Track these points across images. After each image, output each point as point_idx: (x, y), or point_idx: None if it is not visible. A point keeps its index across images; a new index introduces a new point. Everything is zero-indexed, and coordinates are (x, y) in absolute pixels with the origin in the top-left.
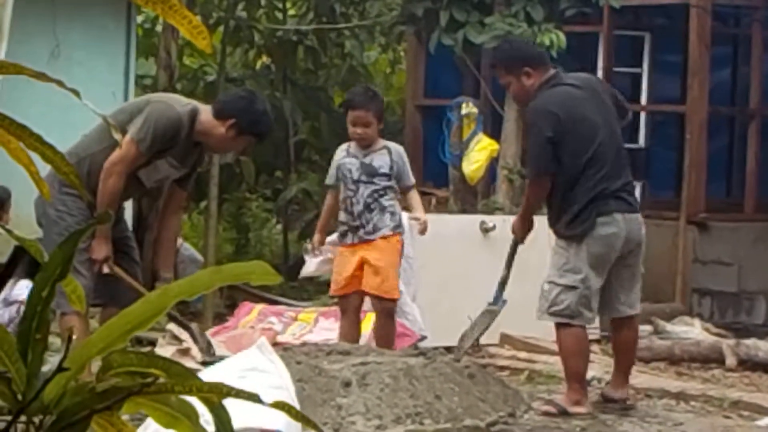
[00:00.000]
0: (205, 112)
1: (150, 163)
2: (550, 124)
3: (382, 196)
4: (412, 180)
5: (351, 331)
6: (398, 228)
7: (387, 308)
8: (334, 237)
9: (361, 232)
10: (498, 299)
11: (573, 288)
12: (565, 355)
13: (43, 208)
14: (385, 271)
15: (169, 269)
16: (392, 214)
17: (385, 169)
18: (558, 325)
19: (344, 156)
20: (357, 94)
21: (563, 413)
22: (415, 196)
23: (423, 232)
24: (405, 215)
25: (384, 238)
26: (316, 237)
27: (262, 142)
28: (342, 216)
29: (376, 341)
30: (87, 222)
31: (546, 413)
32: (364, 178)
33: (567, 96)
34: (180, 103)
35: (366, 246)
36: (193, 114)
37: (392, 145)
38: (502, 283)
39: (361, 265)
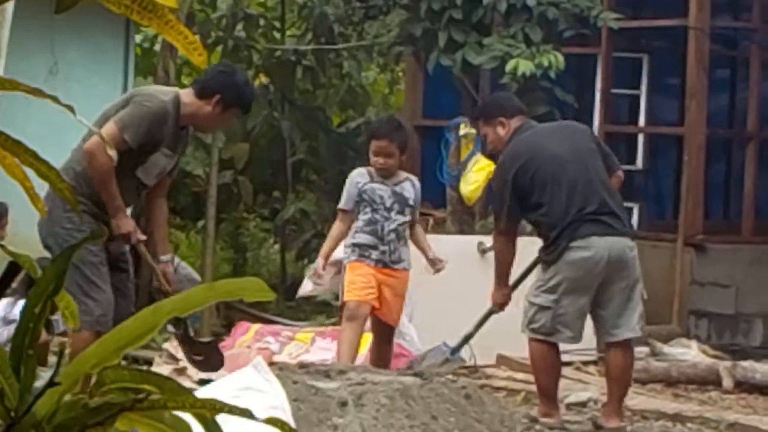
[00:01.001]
0: (187, 94)
1: (146, 160)
2: (512, 170)
3: (406, 228)
4: (418, 216)
5: (356, 339)
6: (410, 264)
7: (389, 334)
8: (338, 256)
9: (386, 258)
10: (457, 351)
11: (547, 308)
12: (536, 372)
13: (49, 228)
14: (400, 302)
15: (167, 252)
16: (408, 249)
17: (412, 202)
18: (532, 343)
19: (368, 181)
20: (381, 123)
21: (534, 421)
22: (422, 231)
23: (439, 271)
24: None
25: (404, 270)
26: (321, 262)
27: (248, 113)
28: (366, 239)
29: (374, 365)
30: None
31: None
32: (397, 206)
33: (528, 139)
34: (162, 92)
35: (387, 272)
36: (177, 99)
37: (413, 177)
38: (466, 339)
39: (380, 287)
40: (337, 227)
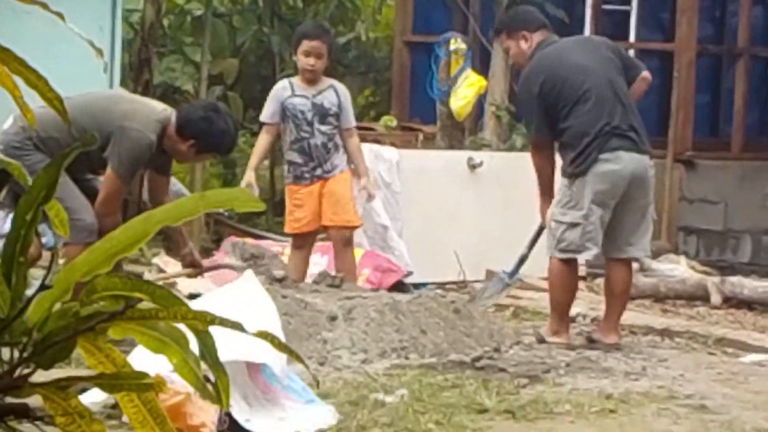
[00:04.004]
0: (172, 125)
1: None
2: (537, 83)
3: (334, 135)
4: (353, 122)
5: (302, 266)
6: (345, 164)
7: (347, 237)
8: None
9: (319, 171)
10: (514, 275)
11: (576, 225)
12: (553, 289)
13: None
14: (345, 202)
15: (186, 245)
16: (341, 153)
17: (335, 110)
18: (554, 260)
19: (290, 95)
20: (311, 26)
21: (542, 341)
22: (355, 145)
23: (371, 198)
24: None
25: (341, 172)
26: (250, 174)
27: (227, 155)
28: (296, 157)
29: (339, 270)
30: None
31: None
32: (317, 119)
33: (552, 52)
34: (151, 123)
35: (324, 183)
36: (164, 127)
37: (337, 83)
38: (521, 261)
39: (320, 202)
40: (261, 139)
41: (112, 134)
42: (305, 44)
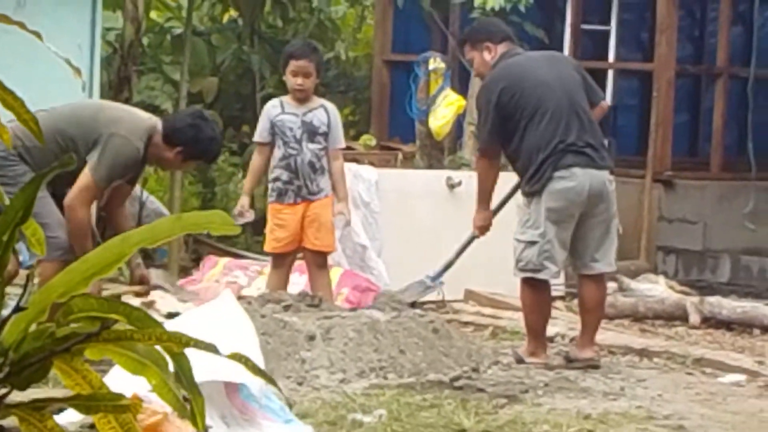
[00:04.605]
0: (158, 134)
1: None
2: (496, 91)
3: (323, 156)
4: (342, 143)
5: (281, 285)
6: (330, 190)
7: (322, 261)
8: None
9: (304, 191)
10: (437, 278)
11: (533, 243)
12: (525, 310)
13: None
14: (327, 227)
15: (136, 257)
16: (329, 174)
17: (324, 129)
18: (522, 281)
19: (279, 113)
20: (298, 45)
21: (520, 361)
22: (339, 167)
23: (348, 223)
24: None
25: (326, 197)
26: (245, 200)
27: (212, 163)
28: (282, 174)
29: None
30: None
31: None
32: (306, 137)
33: (514, 63)
34: (138, 131)
35: (308, 205)
36: (150, 136)
37: (328, 103)
38: (447, 266)
39: (303, 223)
40: (255, 160)
41: (98, 140)
42: (293, 64)
